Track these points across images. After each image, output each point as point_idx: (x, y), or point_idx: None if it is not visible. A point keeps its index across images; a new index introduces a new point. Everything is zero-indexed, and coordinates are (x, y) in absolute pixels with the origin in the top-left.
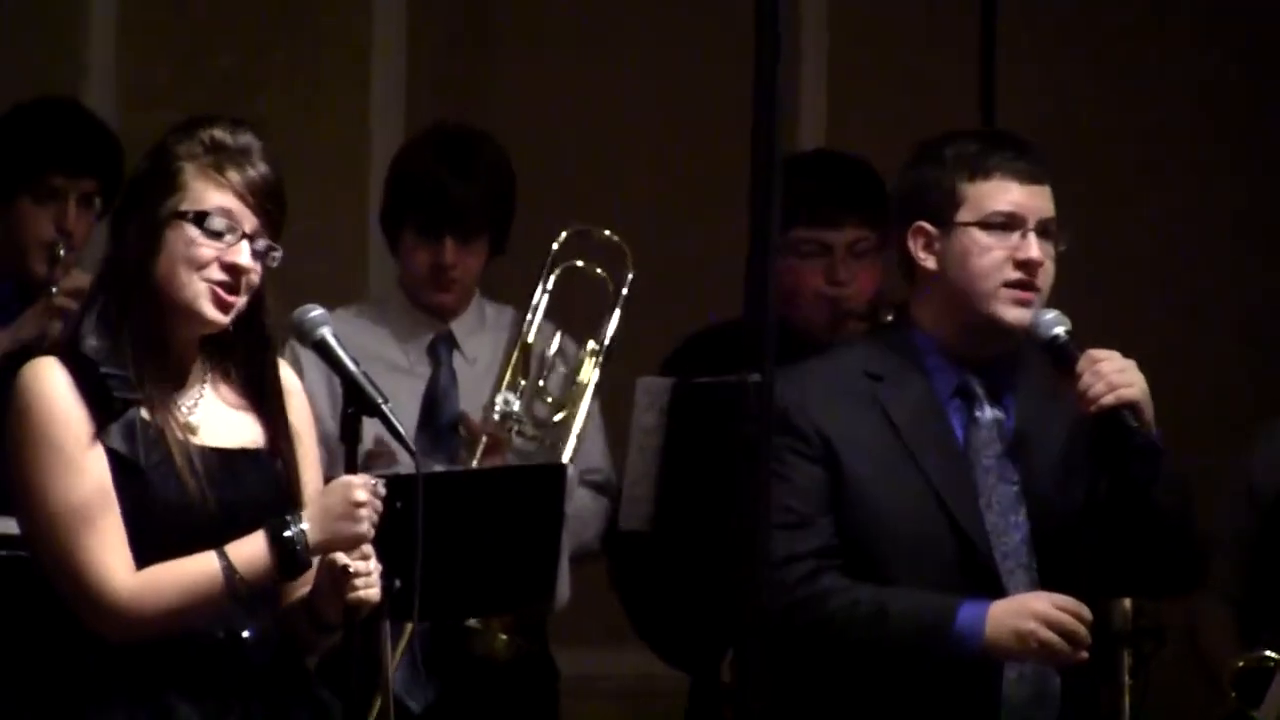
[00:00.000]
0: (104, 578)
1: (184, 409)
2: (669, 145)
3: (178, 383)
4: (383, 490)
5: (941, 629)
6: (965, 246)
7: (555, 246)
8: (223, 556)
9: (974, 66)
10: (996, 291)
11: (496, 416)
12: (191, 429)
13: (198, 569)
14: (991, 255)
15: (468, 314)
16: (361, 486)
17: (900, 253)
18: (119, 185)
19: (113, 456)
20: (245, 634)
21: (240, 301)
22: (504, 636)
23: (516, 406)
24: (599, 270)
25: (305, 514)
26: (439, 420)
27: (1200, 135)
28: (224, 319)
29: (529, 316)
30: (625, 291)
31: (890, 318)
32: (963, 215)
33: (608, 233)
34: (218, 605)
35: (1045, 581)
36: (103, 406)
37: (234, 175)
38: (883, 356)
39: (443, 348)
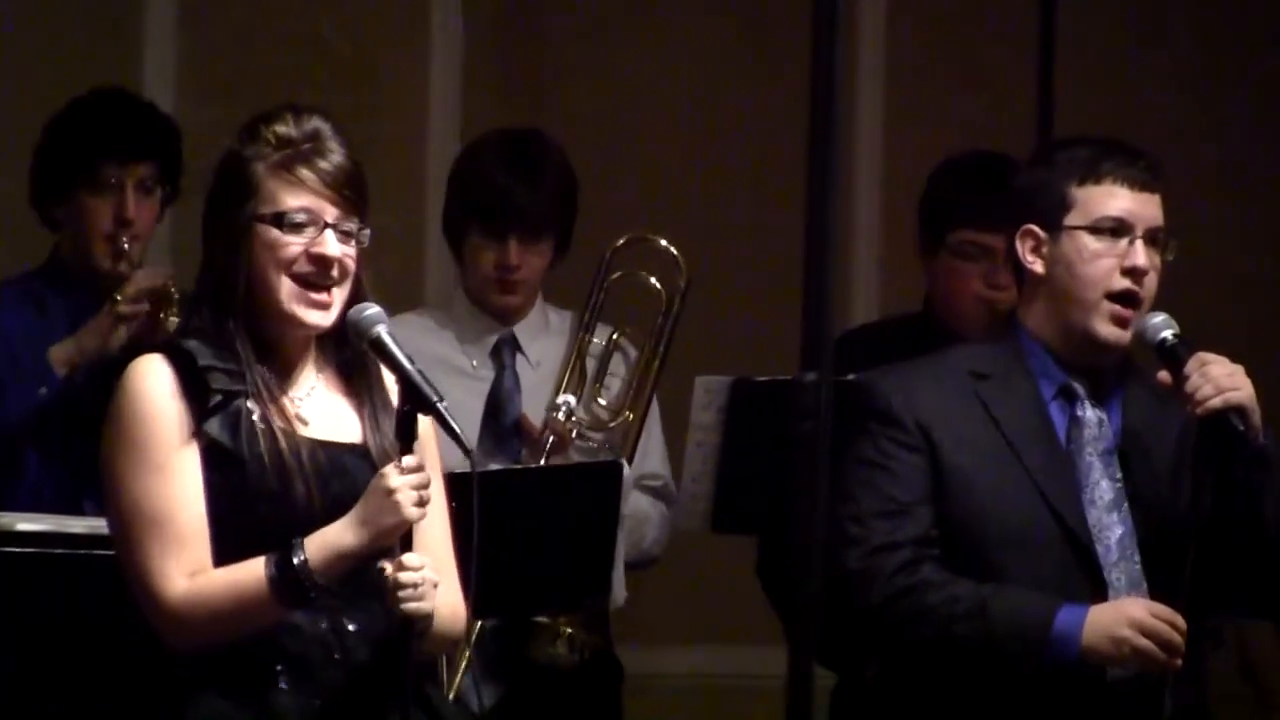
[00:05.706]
0: (160, 584)
1: (296, 401)
2: (724, 147)
3: (289, 375)
4: (414, 463)
5: (1040, 632)
6: (1073, 251)
7: (610, 252)
8: (269, 564)
9: (1033, 64)
10: (1099, 303)
11: (560, 416)
12: (303, 421)
13: (246, 576)
14: (1099, 262)
15: (531, 317)
16: (392, 473)
17: (1010, 256)
18: (179, 168)
19: (214, 447)
20: (351, 627)
21: (337, 297)
22: (569, 630)
23: (575, 410)
24: (653, 279)
25: (344, 520)
26: (502, 422)
27: (1261, 134)
28: (321, 321)
29: (585, 319)
30: (679, 301)
31: None
32: (1072, 219)
33: (663, 242)
34: (268, 614)
35: (1148, 580)
36: (203, 401)
37: (305, 172)
38: (989, 357)
39: (506, 350)
